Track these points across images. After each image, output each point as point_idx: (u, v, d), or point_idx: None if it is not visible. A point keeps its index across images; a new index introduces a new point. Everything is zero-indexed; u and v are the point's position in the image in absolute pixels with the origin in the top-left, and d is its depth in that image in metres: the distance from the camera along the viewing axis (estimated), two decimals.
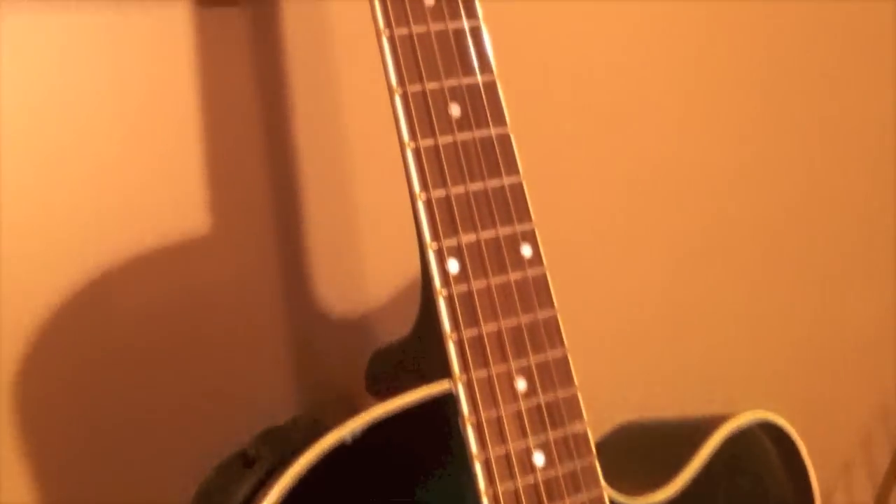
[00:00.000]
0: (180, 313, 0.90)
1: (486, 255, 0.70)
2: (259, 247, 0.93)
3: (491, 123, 0.71)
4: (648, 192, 1.11)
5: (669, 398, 1.12)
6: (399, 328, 0.83)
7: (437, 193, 0.69)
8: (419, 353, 0.72)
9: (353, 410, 0.68)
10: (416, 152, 0.69)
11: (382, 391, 0.76)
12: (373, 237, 0.97)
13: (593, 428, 0.72)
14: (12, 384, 0.85)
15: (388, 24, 0.69)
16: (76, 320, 0.86)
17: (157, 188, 0.89)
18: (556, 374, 0.70)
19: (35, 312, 0.85)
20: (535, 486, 0.69)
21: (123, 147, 0.87)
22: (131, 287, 0.88)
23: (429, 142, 0.69)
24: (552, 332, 0.70)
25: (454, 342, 0.68)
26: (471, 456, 0.69)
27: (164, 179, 0.89)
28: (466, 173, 0.70)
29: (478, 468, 0.69)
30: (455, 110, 0.70)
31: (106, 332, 0.88)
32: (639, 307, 1.12)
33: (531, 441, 0.69)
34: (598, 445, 0.72)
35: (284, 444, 0.69)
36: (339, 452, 0.66)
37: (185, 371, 0.91)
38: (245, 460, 0.72)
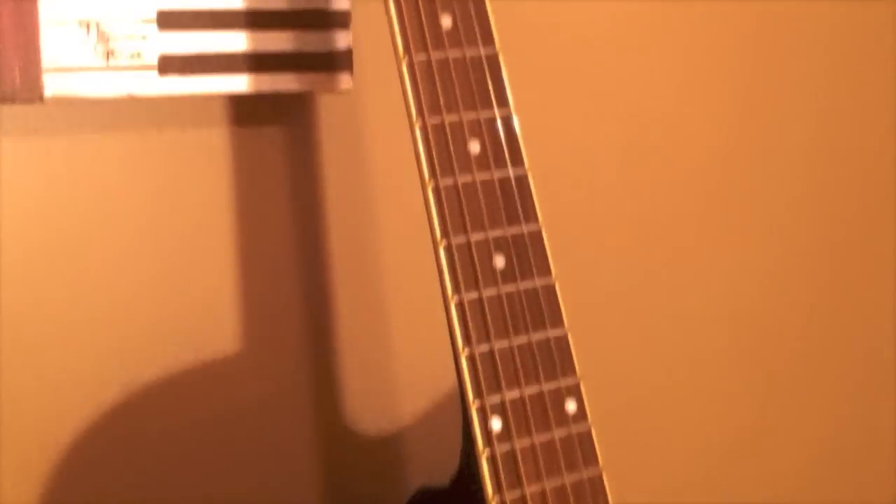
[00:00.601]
0: (210, 433, 0.89)
1: (529, 411, 0.68)
2: (290, 365, 0.92)
3: (536, 274, 0.70)
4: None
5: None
6: (431, 447, 0.82)
7: (481, 348, 0.68)
8: None
9: None
10: (460, 306, 0.67)
11: None
12: (404, 355, 0.96)
13: None
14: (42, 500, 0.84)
15: (433, 174, 0.68)
16: (105, 437, 0.85)
17: (189, 306, 0.88)
18: None
19: (66, 429, 0.84)
20: None
21: (157, 266, 0.87)
22: (162, 405, 0.87)
23: (473, 295, 0.68)
24: (597, 491, 0.69)
25: None
26: None
27: (197, 298, 0.88)
28: (510, 326, 0.68)
29: None
30: (500, 261, 0.69)
31: (135, 451, 0.86)
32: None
33: None
34: None
35: None
36: None
37: (213, 492, 0.89)
38: None
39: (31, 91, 0.79)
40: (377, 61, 0.86)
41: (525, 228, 0.70)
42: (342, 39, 0.86)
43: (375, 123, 0.92)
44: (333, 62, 0.87)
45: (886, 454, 1.23)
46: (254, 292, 0.90)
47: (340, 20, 0.86)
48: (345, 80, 0.87)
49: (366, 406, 0.95)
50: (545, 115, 0.99)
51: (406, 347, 0.96)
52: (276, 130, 0.89)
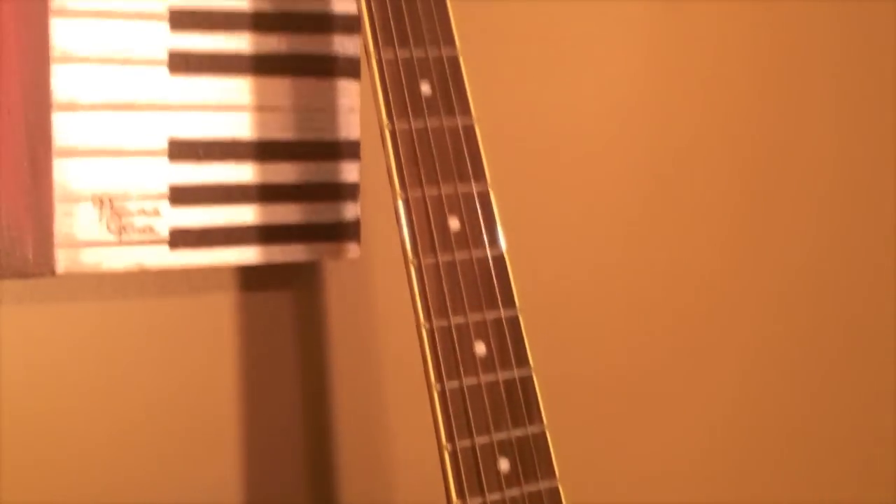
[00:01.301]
0: None
1: None
2: None
3: (540, 477, 0.70)
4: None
5: None
6: None
7: None
8: None
9: None
10: None
11: None
12: None
13: None
14: None
15: (439, 377, 0.69)
16: None
17: (197, 474, 0.88)
18: None
19: None
20: None
21: (166, 432, 0.87)
22: None
23: (477, 501, 0.68)
24: None
25: None
26: None
27: (204, 462, 0.89)
28: None
29: None
30: (504, 465, 0.69)
31: None
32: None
33: None
34: None
35: None
36: None
37: None
38: None
39: (44, 266, 0.80)
40: (385, 229, 0.87)
41: (530, 430, 0.70)
42: (350, 210, 0.88)
43: (382, 289, 0.93)
44: (341, 232, 0.88)
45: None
46: (259, 457, 0.90)
47: (349, 192, 0.87)
48: (352, 250, 0.88)
49: None
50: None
51: None
52: (284, 295, 0.90)
